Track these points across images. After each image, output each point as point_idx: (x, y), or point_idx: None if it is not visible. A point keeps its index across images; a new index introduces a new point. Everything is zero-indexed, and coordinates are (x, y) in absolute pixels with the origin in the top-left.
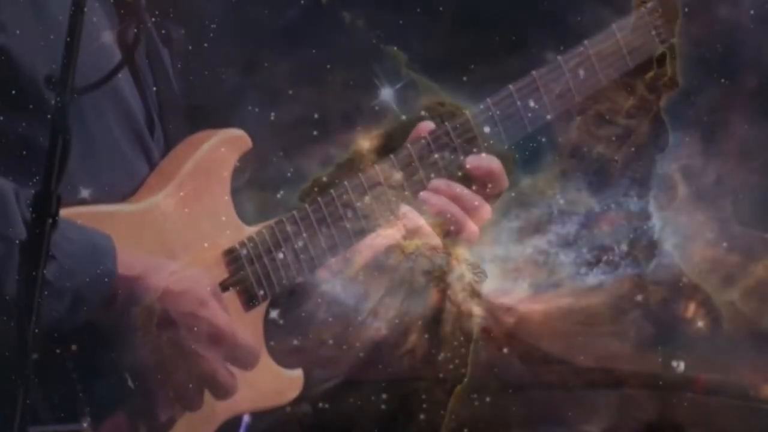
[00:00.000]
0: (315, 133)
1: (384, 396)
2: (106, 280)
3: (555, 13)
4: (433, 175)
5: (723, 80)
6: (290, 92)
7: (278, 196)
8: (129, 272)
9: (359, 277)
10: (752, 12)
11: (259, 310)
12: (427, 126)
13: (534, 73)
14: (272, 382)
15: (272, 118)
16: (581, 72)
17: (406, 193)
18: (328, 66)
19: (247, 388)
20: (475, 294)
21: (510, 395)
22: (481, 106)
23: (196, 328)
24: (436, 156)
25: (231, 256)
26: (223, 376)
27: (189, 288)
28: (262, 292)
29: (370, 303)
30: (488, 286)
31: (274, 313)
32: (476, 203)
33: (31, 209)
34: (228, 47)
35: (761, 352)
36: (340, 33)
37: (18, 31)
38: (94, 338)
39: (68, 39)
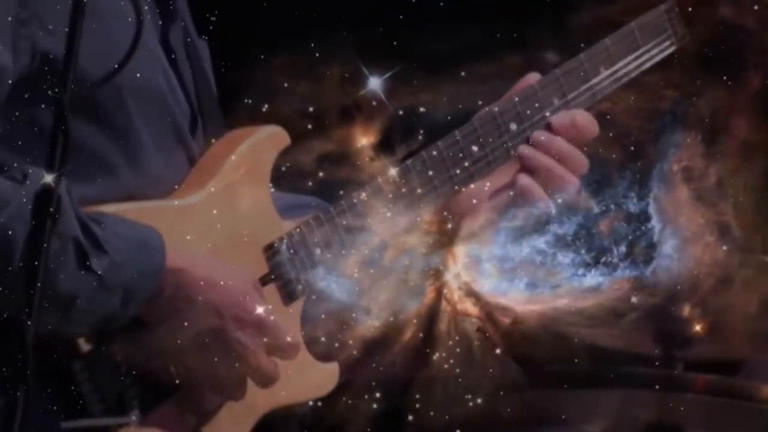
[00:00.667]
0: (309, 127)
1: (377, 395)
2: (155, 275)
3: (556, 11)
4: (458, 172)
5: (725, 80)
6: (285, 85)
7: (272, 190)
8: (173, 265)
9: (354, 274)
10: (755, 8)
11: (298, 304)
12: (534, 76)
13: (557, 71)
14: (310, 375)
15: (264, 110)
16: (602, 69)
17: (436, 183)
18: (325, 60)
19: (285, 381)
20: (471, 293)
21: (505, 396)
22: (508, 104)
23: (239, 320)
24: (466, 152)
25: (271, 251)
26: (267, 366)
27: (232, 280)
28: (300, 287)
29: (365, 300)
30: (485, 286)
31: (261, 309)
32: (575, 155)
33: (32, 208)
34: (225, 40)
35: (761, 353)
36: (338, 26)
37: (63, 32)
38: (140, 331)
39: (68, 37)
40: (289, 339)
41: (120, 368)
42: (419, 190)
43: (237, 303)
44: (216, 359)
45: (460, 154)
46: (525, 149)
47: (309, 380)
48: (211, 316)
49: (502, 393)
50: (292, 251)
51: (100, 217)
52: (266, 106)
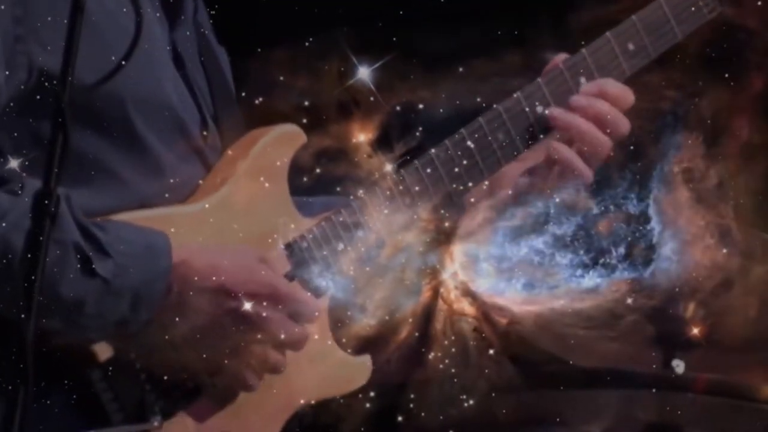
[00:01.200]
0: (305, 121)
1: (372, 394)
2: (163, 278)
3: (556, 10)
4: (485, 158)
5: (727, 80)
6: (282, 79)
7: (266, 185)
8: (175, 260)
9: (350, 273)
10: (758, 3)
11: (323, 300)
12: (561, 56)
13: (584, 50)
14: (341, 370)
15: (263, 106)
16: (631, 46)
17: (461, 171)
18: (323, 55)
19: (317, 376)
20: (468, 293)
21: (502, 396)
22: (534, 86)
23: (252, 294)
24: (490, 138)
25: (292, 249)
26: (292, 330)
27: (235, 260)
28: (324, 284)
29: (360, 299)
30: (482, 286)
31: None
32: (616, 118)
33: (30, 217)
34: (223, 34)
35: (760, 354)
36: (338, 22)
37: (60, 48)
38: (157, 332)
39: (68, 38)
40: (305, 300)
41: (139, 374)
42: (445, 181)
43: (245, 279)
44: (241, 339)
45: (486, 141)
46: (555, 111)
47: (341, 374)
48: (224, 298)
49: (498, 393)
50: (313, 248)
51: (103, 222)
52: (261, 99)
